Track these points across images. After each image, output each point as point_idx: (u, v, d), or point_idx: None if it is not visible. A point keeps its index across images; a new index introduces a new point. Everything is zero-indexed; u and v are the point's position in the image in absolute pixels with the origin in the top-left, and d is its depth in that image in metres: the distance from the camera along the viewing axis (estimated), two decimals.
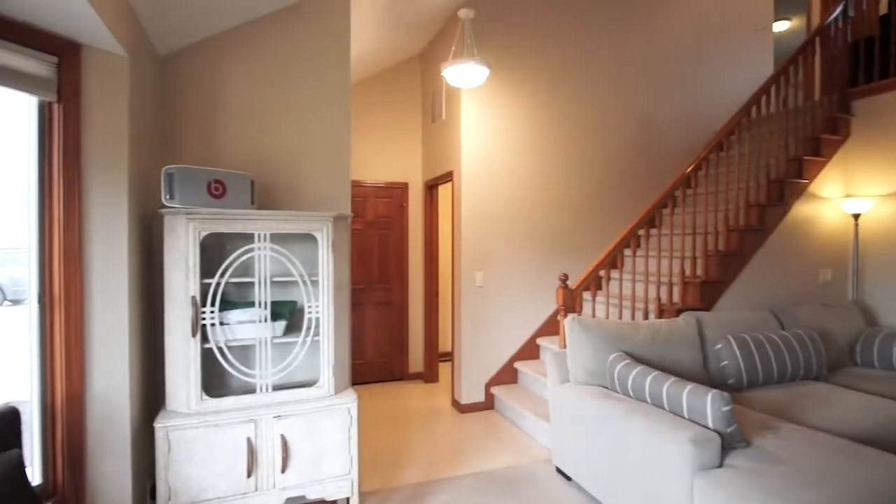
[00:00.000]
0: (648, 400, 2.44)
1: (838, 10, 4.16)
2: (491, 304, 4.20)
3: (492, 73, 4.16)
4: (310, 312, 2.32)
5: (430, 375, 5.08)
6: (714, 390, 2.15)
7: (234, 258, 2.21)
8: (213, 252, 2.41)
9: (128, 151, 2.01)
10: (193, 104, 2.57)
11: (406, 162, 5.11)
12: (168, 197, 2.14)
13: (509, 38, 4.23)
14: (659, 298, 3.40)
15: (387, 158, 5.04)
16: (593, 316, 3.40)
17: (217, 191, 2.23)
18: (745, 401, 2.87)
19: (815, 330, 3.43)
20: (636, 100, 4.75)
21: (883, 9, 4.34)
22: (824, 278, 3.96)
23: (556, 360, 2.99)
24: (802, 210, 3.84)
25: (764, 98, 3.86)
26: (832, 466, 1.97)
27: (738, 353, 3.00)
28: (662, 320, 3.06)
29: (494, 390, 4.14)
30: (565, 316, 3.17)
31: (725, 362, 3.03)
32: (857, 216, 3.96)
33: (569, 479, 2.94)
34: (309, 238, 2.54)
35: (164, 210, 2.10)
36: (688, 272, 3.60)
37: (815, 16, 5.76)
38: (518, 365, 4.18)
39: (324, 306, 2.32)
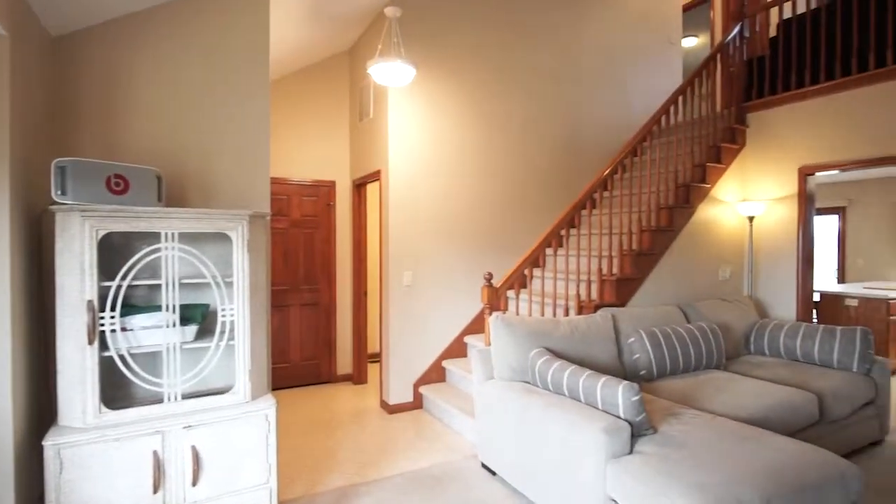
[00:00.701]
0: (567, 393, 2.55)
1: (735, 30, 4.56)
2: (419, 303, 4.20)
3: (420, 72, 4.16)
4: (223, 316, 2.20)
5: (358, 377, 5.01)
6: (625, 382, 2.28)
7: (138, 259, 2.06)
8: (115, 253, 2.22)
9: (9, 141, 1.80)
10: (93, 91, 2.36)
11: (334, 160, 5.00)
12: (59, 192, 1.95)
13: (437, 38, 4.25)
14: (579, 295, 3.55)
15: (314, 156, 4.91)
16: (517, 313, 3.50)
17: (118, 186, 2.06)
18: (655, 390, 3.07)
19: (715, 322, 3.74)
20: (561, 103, 4.94)
21: (773, 31, 4.81)
22: (724, 275, 4.33)
23: (481, 357, 3.04)
24: (705, 212, 4.17)
25: (672, 108, 4.14)
26: (726, 448, 2.14)
27: (648, 345, 3.20)
28: (581, 317, 3.20)
29: (423, 389, 4.15)
30: (490, 314, 3.23)
31: (637, 355, 3.23)
32: (751, 218, 4.36)
33: (494, 473, 3.01)
34: (223, 238, 2.42)
35: (54, 207, 1.91)
36: (605, 270, 3.80)
37: (717, 34, 6.27)
38: (446, 363, 4.21)
39: (239, 309, 2.21)
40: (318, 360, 5.03)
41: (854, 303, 5.31)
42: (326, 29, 4.26)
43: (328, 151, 4.97)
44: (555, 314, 3.56)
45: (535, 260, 3.67)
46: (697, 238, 4.12)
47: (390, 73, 3.52)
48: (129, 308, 2.16)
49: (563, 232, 3.72)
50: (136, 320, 2.12)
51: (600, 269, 3.59)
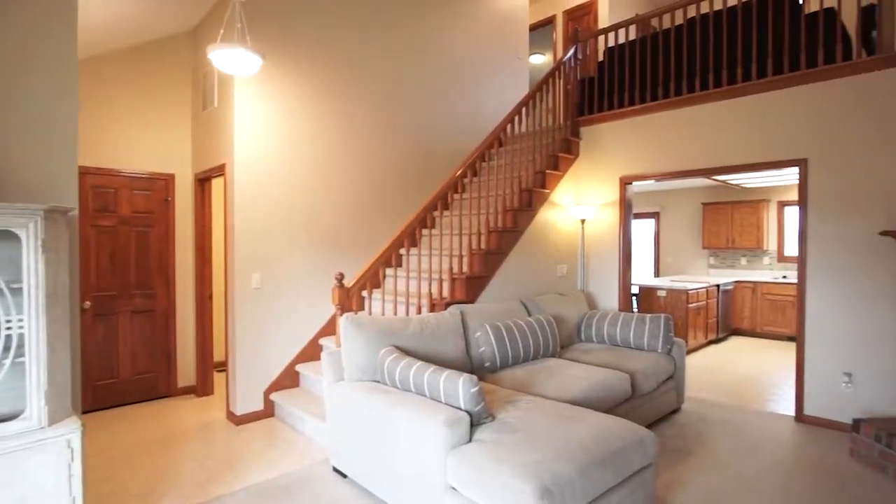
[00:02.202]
0: (413, 389, 2.61)
1: (571, 52, 5.08)
2: (270, 306, 3.99)
3: (270, 63, 3.96)
4: (9, 328, 1.86)
5: (203, 388, 4.60)
6: (465, 375, 2.40)
7: None
8: None
9: None
10: None
11: (173, 151, 4.53)
12: None
13: (290, 29, 4.08)
14: (431, 294, 3.67)
15: (148, 145, 4.39)
16: (370, 313, 3.50)
17: None
18: (498, 380, 3.29)
19: (552, 315, 4.12)
20: (417, 106, 5.05)
21: (601, 57, 5.44)
22: (561, 272, 4.80)
23: (330, 359, 2.99)
24: (546, 215, 4.58)
25: (517, 118, 4.48)
26: (552, 428, 2.37)
27: (493, 339, 3.42)
28: (431, 314, 3.31)
29: (274, 396, 3.95)
30: (342, 315, 3.19)
31: (483, 348, 3.43)
32: (583, 221, 4.89)
33: (345, 476, 2.97)
34: (12, 236, 2.05)
35: None
36: (456, 269, 3.97)
37: (559, 54, 6.92)
38: (300, 367, 4.06)
39: (31, 320, 1.88)
40: (155, 373, 4.52)
41: (664, 294, 6.26)
42: (164, 2, 3.83)
43: (166, 141, 4.49)
44: (408, 313, 3.63)
45: (389, 260, 3.71)
46: (539, 238, 4.51)
47: (233, 61, 3.27)
48: None
49: (417, 232, 3.81)
50: None
51: (451, 268, 3.75)
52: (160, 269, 4.52)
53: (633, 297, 6.66)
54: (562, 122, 5.01)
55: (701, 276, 7.65)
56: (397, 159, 4.87)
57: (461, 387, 2.36)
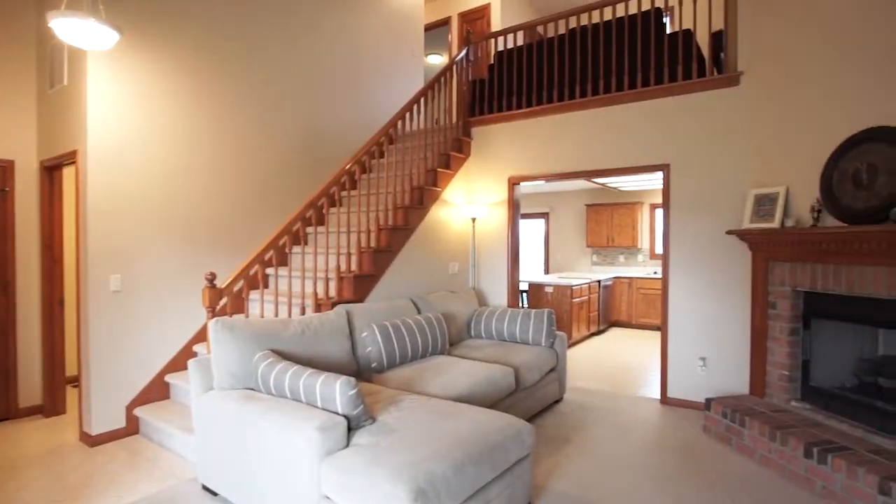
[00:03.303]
0: (289, 395, 2.47)
1: (463, 52, 5.16)
2: (133, 310, 3.58)
3: (132, 40, 3.55)
4: None
5: (52, 408, 4.02)
6: (343, 377, 2.31)
7: None
8: None
9: None
10: None
11: (12, 134, 3.91)
12: None
13: (157, 6, 3.68)
14: (316, 294, 3.51)
15: None
16: (248, 316, 3.27)
17: None
18: (385, 380, 3.22)
19: (443, 312, 4.15)
20: (307, 100, 4.83)
21: (492, 60, 5.59)
22: (453, 270, 4.85)
23: (199, 367, 2.73)
24: (437, 213, 4.60)
25: (408, 115, 4.44)
26: (432, 427, 2.35)
27: (379, 338, 3.35)
28: (314, 315, 3.16)
29: (139, 411, 3.55)
30: (213, 318, 2.94)
31: (370, 348, 3.35)
32: (474, 219, 4.99)
33: (215, 494, 2.74)
34: None
35: None
36: (344, 267, 3.85)
37: (454, 54, 6.99)
38: (170, 378, 3.69)
39: None
40: None
41: (551, 290, 6.59)
42: None
43: (5, 123, 3.86)
44: (290, 314, 3.44)
45: (270, 259, 3.49)
46: (430, 236, 4.52)
47: (82, 33, 2.87)
48: None
49: (301, 229, 3.63)
50: None
51: (339, 267, 3.62)
52: None
53: (523, 294, 6.95)
54: (454, 121, 5.07)
55: (585, 273, 8.19)
56: (286, 154, 4.61)
57: (338, 390, 2.27)
